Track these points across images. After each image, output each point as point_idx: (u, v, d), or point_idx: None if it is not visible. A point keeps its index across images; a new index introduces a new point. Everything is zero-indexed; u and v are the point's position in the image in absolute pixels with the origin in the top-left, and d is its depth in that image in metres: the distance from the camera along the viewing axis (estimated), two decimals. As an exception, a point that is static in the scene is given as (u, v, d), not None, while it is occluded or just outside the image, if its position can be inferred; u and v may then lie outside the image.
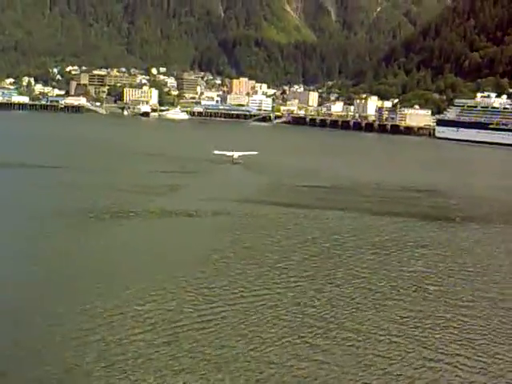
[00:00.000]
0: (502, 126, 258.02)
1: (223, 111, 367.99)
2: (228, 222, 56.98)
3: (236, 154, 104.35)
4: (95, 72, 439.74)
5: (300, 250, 46.42)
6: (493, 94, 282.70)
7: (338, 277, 40.37)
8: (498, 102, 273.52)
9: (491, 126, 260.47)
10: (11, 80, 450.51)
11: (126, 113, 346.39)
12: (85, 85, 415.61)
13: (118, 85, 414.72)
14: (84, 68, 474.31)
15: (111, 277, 37.52)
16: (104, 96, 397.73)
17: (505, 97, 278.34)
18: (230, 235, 50.69)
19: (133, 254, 43.54)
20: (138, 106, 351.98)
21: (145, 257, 42.64)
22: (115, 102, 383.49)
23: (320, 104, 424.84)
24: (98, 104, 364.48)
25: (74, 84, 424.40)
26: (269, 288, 36.79)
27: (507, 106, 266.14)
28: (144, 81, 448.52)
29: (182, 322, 30.89)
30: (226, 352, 27.86)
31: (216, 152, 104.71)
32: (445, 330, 32.21)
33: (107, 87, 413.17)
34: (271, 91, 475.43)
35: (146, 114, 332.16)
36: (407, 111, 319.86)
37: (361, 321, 32.76)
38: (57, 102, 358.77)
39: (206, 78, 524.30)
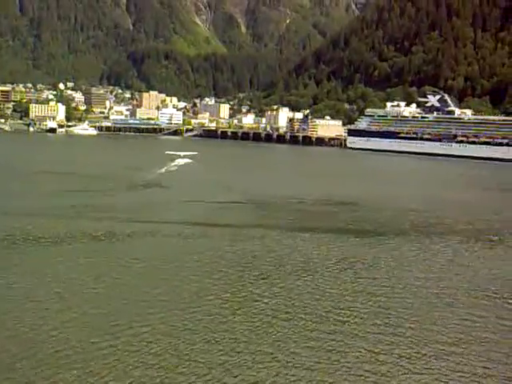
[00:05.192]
0: (412, 135, 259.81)
1: (132, 125, 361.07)
2: (144, 244, 52.59)
3: (182, 154, 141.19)
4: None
5: (212, 275, 42.40)
6: (402, 103, 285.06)
7: (255, 300, 37.28)
8: (408, 110, 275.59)
9: (401, 135, 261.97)
10: None
11: (31, 129, 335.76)
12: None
13: (24, 101, 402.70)
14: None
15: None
16: (9, 112, 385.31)
17: (414, 106, 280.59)
18: (145, 259, 46.49)
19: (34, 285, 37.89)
20: (45, 122, 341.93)
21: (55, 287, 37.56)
22: (21, 118, 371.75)
23: (231, 116, 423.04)
24: (2, 121, 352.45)
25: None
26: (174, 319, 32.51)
27: (417, 115, 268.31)
28: (51, 96, 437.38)
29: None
30: None
31: (168, 152, 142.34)
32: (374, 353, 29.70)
33: (12, 103, 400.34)
34: (182, 104, 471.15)
35: (52, 130, 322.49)
36: (318, 122, 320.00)
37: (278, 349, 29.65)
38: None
39: (115, 92, 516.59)
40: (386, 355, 29.79)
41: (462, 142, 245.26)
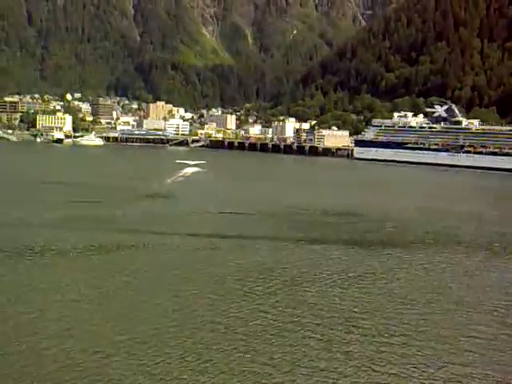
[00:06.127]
0: (419, 145, 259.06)
1: (139, 136, 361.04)
2: (152, 255, 52.04)
3: (192, 162, 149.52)
4: (7, 99, 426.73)
5: (219, 288, 41.99)
6: (409, 114, 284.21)
7: (252, 314, 36.53)
8: (415, 121, 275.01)
9: (408, 146, 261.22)
10: None
11: (38, 140, 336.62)
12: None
13: (31, 111, 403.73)
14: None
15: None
16: (16, 123, 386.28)
17: (421, 116, 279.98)
18: (153, 271, 46.14)
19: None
20: (52, 133, 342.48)
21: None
22: (28, 128, 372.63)
23: (238, 127, 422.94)
24: (9, 131, 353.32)
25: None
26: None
27: (424, 125, 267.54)
28: (58, 107, 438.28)
29: None
30: None
31: (177, 161, 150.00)
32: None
33: (20, 114, 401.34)
34: (189, 115, 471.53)
35: (59, 141, 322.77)
36: (325, 132, 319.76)
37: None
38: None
39: (122, 103, 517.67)
40: (395, 376, 29.12)
41: (469, 152, 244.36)
